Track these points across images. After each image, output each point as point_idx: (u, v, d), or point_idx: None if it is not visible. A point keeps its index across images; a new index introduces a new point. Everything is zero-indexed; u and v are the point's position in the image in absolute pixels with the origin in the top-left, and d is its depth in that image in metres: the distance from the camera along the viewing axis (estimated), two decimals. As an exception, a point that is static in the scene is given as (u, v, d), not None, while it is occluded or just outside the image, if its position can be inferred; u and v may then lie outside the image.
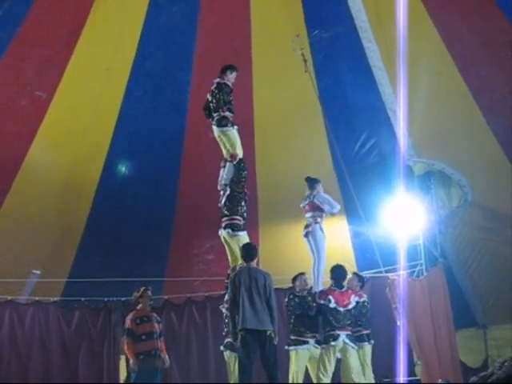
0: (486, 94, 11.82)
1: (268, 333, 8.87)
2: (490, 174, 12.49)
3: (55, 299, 14.04)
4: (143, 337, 10.43)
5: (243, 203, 10.22)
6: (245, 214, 10.22)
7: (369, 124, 13.17)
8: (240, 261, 9.84)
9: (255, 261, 9.39)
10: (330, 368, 10.01)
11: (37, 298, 13.88)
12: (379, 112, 12.71)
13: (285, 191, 13.80)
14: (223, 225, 10.10)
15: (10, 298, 13.66)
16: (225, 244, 10.14)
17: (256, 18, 12.71)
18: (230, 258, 10.17)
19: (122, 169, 13.82)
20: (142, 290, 10.88)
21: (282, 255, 13.04)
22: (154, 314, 10.93)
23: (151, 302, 11.00)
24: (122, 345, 10.81)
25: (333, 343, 9.99)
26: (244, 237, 10.07)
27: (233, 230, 10.00)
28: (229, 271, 10.02)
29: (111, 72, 12.89)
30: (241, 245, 9.77)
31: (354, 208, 12.83)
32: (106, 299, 14.06)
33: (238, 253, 9.94)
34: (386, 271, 12.87)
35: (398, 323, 11.79)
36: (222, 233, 10.12)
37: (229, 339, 10.06)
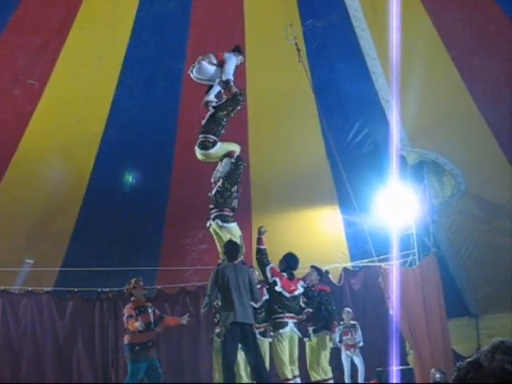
0: (479, 83, 11.83)
1: (252, 326, 9.27)
2: (483, 163, 12.53)
3: (48, 289, 14.02)
4: (141, 328, 10.43)
5: (234, 199, 10.13)
6: (234, 207, 10.11)
7: (362, 113, 13.18)
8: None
9: (238, 259, 9.51)
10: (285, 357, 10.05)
11: (30, 289, 13.86)
12: (372, 101, 12.71)
13: (278, 180, 13.81)
14: (212, 216, 10.03)
15: (2, 287, 13.63)
16: (214, 235, 10.06)
17: (249, 7, 12.66)
18: (220, 249, 10.07)
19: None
20: (133, 281, 10.85)
21: (275, 243, 13.03)
22: (149, 304, 10.92)
23: (145, 292, 10.98)
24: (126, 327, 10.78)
25: (281, 331, 10.04)
26: (234, 228, 10.00)
27: (222, 221, 9.92)
28: (219, 261, 9.96)
29: (104, 60, 12.83)
30: (229, 236, 9.77)
31: (347, 197, 12.85)
32: (99, 290, 14.05)
33: None
34: (379, 260, 12.92)
35: (391, 312, 11.83)
36: (212, 224, 10.03)
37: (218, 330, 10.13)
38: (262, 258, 10.18)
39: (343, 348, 12.95)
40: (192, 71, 10.48)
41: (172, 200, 14.04)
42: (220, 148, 10.26)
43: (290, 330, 10.01)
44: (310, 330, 11.06)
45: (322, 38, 12.74)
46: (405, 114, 12.17)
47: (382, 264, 12.78)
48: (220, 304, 9.65)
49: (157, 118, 13.48)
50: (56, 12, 12.31)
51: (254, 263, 10.73)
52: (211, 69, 10.41)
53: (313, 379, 11.00)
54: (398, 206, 12.54)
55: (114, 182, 13.86)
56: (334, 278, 13.67)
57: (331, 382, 11.03)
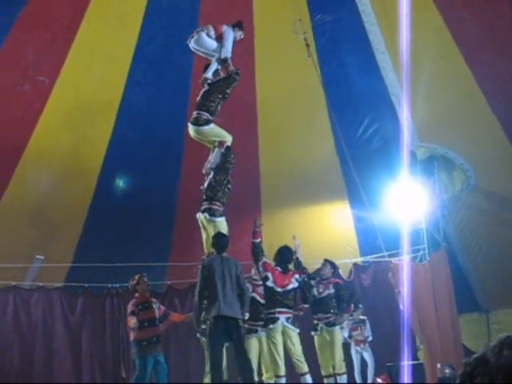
0: (489, 78, 11.78)
1: (238, 320, 9.08)
2: (492, 158, 12.49)
3: (59, 285, 14.08)
4: (146, 323, 10.42)
5: (226, 190, 10.04)
6: (224, 201, 10.02)
7: (372, 108, 13.14)
8: None
9: (226, 251, 9.42)
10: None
11: (40, 284, 13.92)
12: (382, 96, 12.68)
13: (287, 175, 13.81)
14: (202, 208, 9.98)
15: (14, 283, 13.69)
16: (202, 228, 9.99)
17: (258, 2, 12.65)
18: (204, 243, 10.01)
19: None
20: (137, 277, 10.83)
21: (285, 241, 13.03)
22: (154, 300, 10.91)
23: (149, 288, 10.97)
24: (126, 326, 10.82)
25: (271, 326, 9.93)
26: (221, 223, 9.91)
27: (210, 214, 9.86)
28: (203, 257, 9.94)
29: (113, 56, 12.84)
30: (217, 230, 9.72)
31: (356, 193, 12.85)
32: (109, 285, 14.11)
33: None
34: (389, 256, 12.91)
35: (401, 307, 11.82)
36: (200, 216, 9.97)
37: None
38: (256, 252, 10.13)
39: (353, 343, 12.96)
40: (191, 42, 10.43)
41: (182, 195, 14.04)
42: (214, 130, 10.22)
43: (280, 325, 9.85)
44: (322, 323, 10.99)
45: (331, 33, 12.70)
46: (414, 109, 12.13)
47: (392, 259, 12.78)
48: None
49: (166, 113, 13.47)
50: (65, 7, 12.32)
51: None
52: (210, 42, 10.36)
53: (326, 373, 10.94)
54: (408, 201, 12.52)
55: (124, 178, 13.87)
56: (344, 273, 13.65)
57: (345, 376, 11.00)
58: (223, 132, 10.26)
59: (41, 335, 13.73)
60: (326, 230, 14.06)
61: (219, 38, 10.36)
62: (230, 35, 10.39)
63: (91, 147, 13.68)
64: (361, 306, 12.89)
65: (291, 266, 10.47)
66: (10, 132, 12.86)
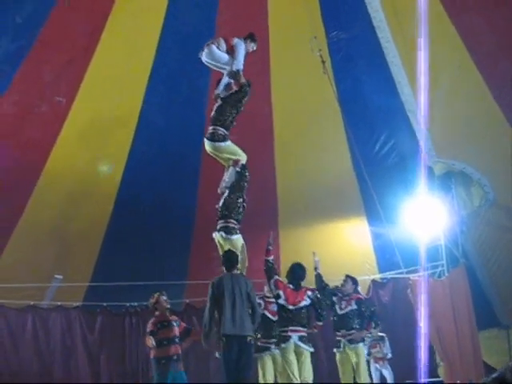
0: (505, 91, 11.73)
1: (248, 339, 8.89)
2: (510, 172, 12.40)
3: (77, 304, 14.11)
4: (165, 342, 10.36)
5: (240, 209, 9.96)
6: (240, 219, 9.93)
7: (388, 124, 13.14)
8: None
9: (236, 268, 9.32)
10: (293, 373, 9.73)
11: (59, 303, 13.96)
12: (398, 112, 12.68)
13: (304, 192, 13.80)
14: (218, 227, 9.91)
15: (32, 303, 13.74)
16: (219, 247, 9.90)
17: (273, 20, 12.70)
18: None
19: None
20: (156, 295, 10.78)
21: (302, 257, 13.01)
22: (174, 317, 10.88)
23: (169, 306, 10.94)
24: (145, 345, 10.81)
25: (283, 345, 9.80)
26: (238, 240, 9.84)
27: (226, 233, 9.79)
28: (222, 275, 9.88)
29: (130, 76, 12.93)
30: (234, 249, 9.64)
31: (374, 209, 12.83)
32: (127, 304, 14.12)
33: None
34: (408, 272, 12.86)
35: (420, 324, 11.75)
36: (216, 235, 9.89)
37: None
38: (269, 269, 10.09)
39: (372, 361, 12.88)
40: (202, 55, 10.38)
41: (199, 212, 14.07)
42: (230, 147, 10.15)
43: (293, 344, 9.73)
44: (344, 340, 10.81)
45: (347, 50, 12.73)
46: (431, 125, 12.11)
47: (411, 275, 12.72)
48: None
49: (183, 130, 13.53)
50: (82, 28, 12.44)
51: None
52: (220, 54, 10.29)
53: None
54: (426, 217, 12.47)
55: (142, 195, 13.91)
56: (362, 290, 13.55)
57: None
58: (238, 150, 10.26)
59: (59, 354, 13.74)
60: (344, 247, 14.02)
61: (230, 51, 10.33)
62: (242, 47, 10.35)
63: (109, 166, 13.74)
64: (379, 322, 12.83)
65: (303, 283, 10.41)
66: (28, 152, 12.96)
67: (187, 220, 14.15)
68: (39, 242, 13.62)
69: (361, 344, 10.78)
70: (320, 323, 10.37)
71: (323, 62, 12.02)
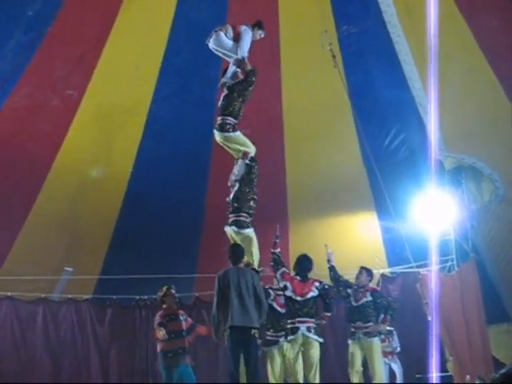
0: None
1: (253, 331, 8.90)
2: (521, 168, 12.40)
3: (87, 297, 14.18)
4: (172, 335, 10.43)
5: (251, 202, 9.99)
6: (251, 212, 9.98)
7: (398, 119, 13.12)
8: (246, 258, 9.77)
9: (242, 262, 9.35)
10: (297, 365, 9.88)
11: (69, 296, 14.02)
12: (409, 107, 12.66)
13: (314, 186, 13.81)
14: (229, 221, 9.96)
15: (43, 295, 13.80)
16: (231, 241, 9.93)
17: (284, 14, 12.69)
18: None
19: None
20: (164, 288, 10.84)
21: (312, 251, 13.03)
22: (181, 312, 10.91)
23: (176, 300, 10.97)
24: (154, 337, 10.86)
25: (290, 337, 9.88)
26: (250, 234, 9.89)
27: (238, 227, 9.84)
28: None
29: (140, 70, 12.94)
30: (246, 242, 9.72)
31: (384, 204, 12.81)
32: (137, 297, 14.17)
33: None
34: (417, 266, 12.84)
35: (429, 318, 11.74)
36: (228, 229, 9.96)
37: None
38: (275, 262, 10.17)
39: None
40: (210, 41, 10.41)
41: (209, 207, 14.08)
42: (240, 137, 10.17)
43: (301, 335, 9.84)
44: (360, 333, 10.83)
45: (358, 44, 12.71)
46: (441, 119, 12.08)
47: (420, 270, 12.71)
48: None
49: (193, 125, 13.53)
50: (93, 23, 12.45)
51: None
52: (227, 41, 10.33)
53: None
54: (436, 211, 12.45)
55: (151, 190, 13.94)
56: (372, 284, 13.58)
57: None
58: (248, 142, 10.26)
59: (69, 347, 13.82)
60: (354, 241, 14.00)
61: (237, 38, 10.34)
62: (248, 35, 10.34)
63: (119, 160, 13.77)
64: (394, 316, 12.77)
65: (311, 275, 10.43)
66: (39, 145, 13.01)
67: (197, 213, 14.17)
68: (50, 235, 13.68)
69: (376, 338, 10.83)
70: (328, 314, 10.43)
71: (334, 56, 11.99)
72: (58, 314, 13.89)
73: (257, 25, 10.58)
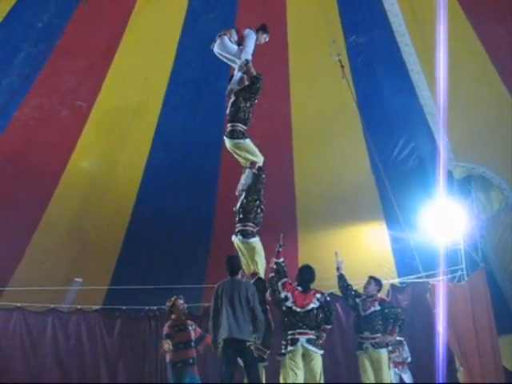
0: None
1: (247, 344, 8.82)
2: (530, 177, 12.37)
3: (97, 307, 14.18)
4: (181, 345, 10.38)
5: (258, 211, 10.00)
6: (258, 221, 9.99)
7: (407, 128, 13.11)
8: (253, 267, 9.81)
9: (239, 274, 9.32)
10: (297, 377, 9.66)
11: (79, 307, 14.03)
12: (417, 116, 12.66)
13: (323, 196, 13.79)
14: (236, 231, 9.97)
15: (52, 306, 13.82)
16: (238, 251, 9.94)
17: (292, 25, 12.73)
18: (243, 265, 9.91)
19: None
20: (173, 299, 10.82)
21: (321, 261, 13.01)
22: (190, 322, 10.88)
23: (185, 310, 10.95)
24: (161, 349, 10.84)
25: (290, 348, 9.71)
26: (256, 243, 9.90)
27: (244, 236, 9.85)
28: (243, 279, 9.72)
29: (149, 81, 13.00)
30: (252, 252, 9.76)
31: (393, 213, 12.79)
32: (146, 308, 14.16)
33: (250, 260, 9.88)
34: (427, 276, 12.79)
35: (439, 328, 11.69)
36: (234, 239, 9.97)
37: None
38: (277, 272, 10.05)
39: (391, 365, 12.79)
40: (214, 46, 10.43)
41: (218, 217, 14.09)
42: (249, 145, 10.22)
43: (300, 347, 9.67)
44: (367, 343, 10.72)
45: (366, 54, 12.73)
46: (450, 128, 12.08)
47: (430, 280, 12.67)
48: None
49: (202, 136, 13.57)
50: (102, 34, 12.51)
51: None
52: (232, 46, 10.36)
53: None
54: (445, 221, 12.42)
55: (160, 201, 13.97)
56: (381, 294, 13.55)
57: None
58: (257, 151, 10.28)
59: (78, 358, 13.80)
60: (363, 251, 13.97)
61: (241, 41, 10.37)
62: (252, 38, 10.37)
63: (128, 170, 13.81)
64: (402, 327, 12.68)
65: (312, 286, 10.29)
66: (48, 156, 13.07)
67: (206, 223, 14.18)
68: (59, 246, 13.72)
69: (384, 349, 10.69)
70: (329, 326, 10.15)
71: (342, 66, 12.02)
72: (68, 324, 13.86)
73: (261, 28, 10.62)
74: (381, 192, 13.31)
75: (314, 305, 9.90)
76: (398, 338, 12.44)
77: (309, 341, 9.73)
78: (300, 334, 9.73)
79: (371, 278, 11.26)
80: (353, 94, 12.43)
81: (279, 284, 10.00)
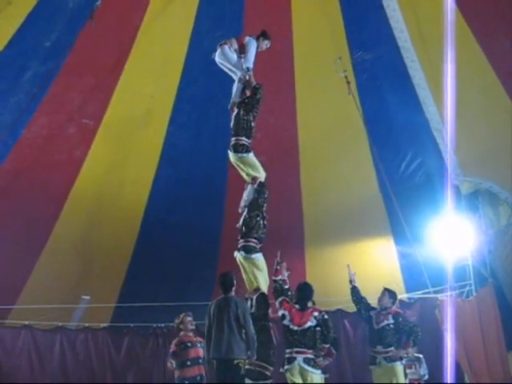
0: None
1: (235, 362, 8.71)
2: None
3: (104, 325, 14.17)
4: (188, 362, 10.35)
5: (261, 226, 9.95)
6: (261, 237, 9.92)
7: (414, 144, 13.11)
8: (255, 283, 9.74)
9: (233, 291, 9.22)
10: None
11: (86, 324, 14.02)
12: (424, 131, 12.66)
13: (330, 212, 13.78)
14: (238, 246, 9.91)
15: (60, 324, 13.81)
16: (240, 267, 9.88)
17: (298, 41, 12.79)
18: (246, 281, 9.89)
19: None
20: (181, 316, 10.81)
21: (329, 277, 12.99)
22: (199, 339, 10.83)
23: (193, 327, 10.92)
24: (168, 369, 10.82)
25: (286, 367, 9.48)
26: (258, 259, 9.83)
27: (246, 252, 9.79)
28: (246, 295, 9.76)
29: (156, 98, 13.05)
30: (255, 268, 9.71)
31: (401, 229, 12.77)
32: (154, 325, 14.15)
33: (252, 276, 9.82)
34: (435, 292, 12.76)
35: (448, 344, 11.63)
36: (237, 255, 9.91)
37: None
38: (275, 290, 9.92)
39: (407, 382, 12.66)
40: (215, 56, 10.45)
41: (225, 234, 14.09)
42: (253, 160, 10.22)
43: (297, 365, 9.39)
44: (380, 357, 10.44)
45: (372, 70, 12.77)
46: (457, 143, 12.07)
47: (438, 295, 12.63)
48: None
49: (209, 153, 13.60)
50: (109, 53, 12.60)
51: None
52: (232, 56, 10.36)
53: None
54: (453, 236, 12.40)
55: (167, 218, 13.98)
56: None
57: None
58: (259, 166, 10.28)
59: (87, 375, 13.79)
60: (371, 267, 13.91)
61: (241, 49, 10.37)
62: (253, 46, 10.36)
63: (135, 188, 13.84)
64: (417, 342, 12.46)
65: (313, 303, 10.16)
66: (56, 174, 13.11)
67: (213, 240, 14.17)
68: (67, 264, 13.74)
69: (398, 363, 10.39)
70: (326, 345, 9.73)
71: (348, 82, 12.04)
72: (76, 342, 13.87)
73: (262, 35, 10.61)
74: (388, 207, 13.30)
75: (311, 323, 9.62)
76: (416, 355, 12.14)
77: (305, 360, 9.47)
78: (297, 352, 9.47)
79: (385, 289, 10.98)
80: (359, 111, 12.45)
81: (277, 302, 9.89)
